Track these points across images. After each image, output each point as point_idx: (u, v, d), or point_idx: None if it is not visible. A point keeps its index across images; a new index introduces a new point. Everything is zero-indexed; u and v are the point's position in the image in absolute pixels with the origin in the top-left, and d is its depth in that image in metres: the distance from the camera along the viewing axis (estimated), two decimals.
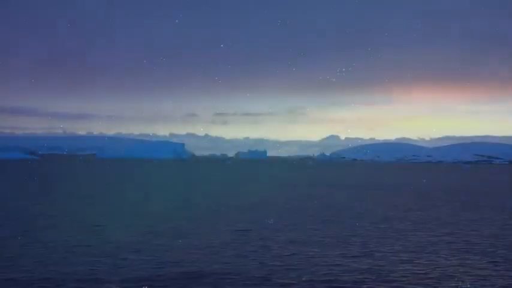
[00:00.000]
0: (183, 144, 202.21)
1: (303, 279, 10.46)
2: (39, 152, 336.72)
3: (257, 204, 25.41)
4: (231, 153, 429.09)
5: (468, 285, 10.11)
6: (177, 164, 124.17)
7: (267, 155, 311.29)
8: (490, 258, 12.81)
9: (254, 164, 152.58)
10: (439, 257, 12.84)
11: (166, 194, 30.79)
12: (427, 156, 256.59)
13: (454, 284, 10.24)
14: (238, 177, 58.45)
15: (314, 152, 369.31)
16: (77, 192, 31.28)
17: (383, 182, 53.17)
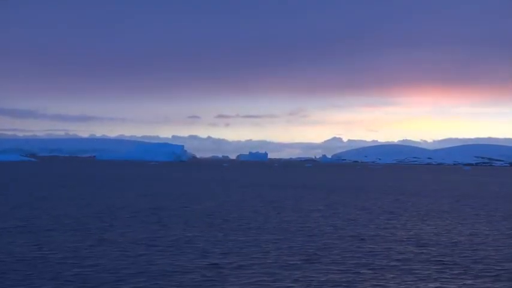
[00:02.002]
0: (182, 146, 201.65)
1: None
2: (40, 154, 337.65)
3: (224, 208, 24.71)
4: (232, 155, 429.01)
5: None
6: (172, 166, 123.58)
7: (268, 157, 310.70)
8: (437, 268, 12.11)
9: (252, 166, 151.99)
10: (381, 266, 12.15)
11: (138, 197, 30.13)
12: (428, 158, 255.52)
13: None
14: (226, 178, 57.72)
15: (316, 154, 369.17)
16: (48, 195, 30.62)
17: (371, 184, 52.42)
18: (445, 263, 12.65)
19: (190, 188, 39.55)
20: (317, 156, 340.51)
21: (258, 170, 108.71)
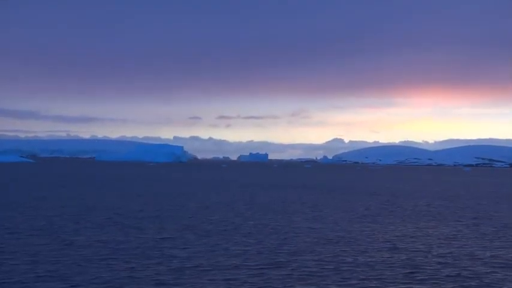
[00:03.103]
0: (181, 147, 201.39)
1: None
2: (41, 155, 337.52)
3: (209, 209, 24.25)
4: (234, 156, 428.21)
5: None
6: (171, 166, 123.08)
7: (269, 157, 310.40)
8: (406, 272, 11.67)
9: (251, 167, 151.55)
10: (348, 270, 11.71)
11: (127, 198, 29.69)
12: (428, 159, 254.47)
13: None
14: (224, 179, 57.24)
15: (317, 155, 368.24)
16: (46, 195, 30.17)
17: (368, 184, 51.92)
18: (416, 266, 12.21)
19: (185, 189, 39.09)
20: (318, 157, 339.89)
21: (257, 170, 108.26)
